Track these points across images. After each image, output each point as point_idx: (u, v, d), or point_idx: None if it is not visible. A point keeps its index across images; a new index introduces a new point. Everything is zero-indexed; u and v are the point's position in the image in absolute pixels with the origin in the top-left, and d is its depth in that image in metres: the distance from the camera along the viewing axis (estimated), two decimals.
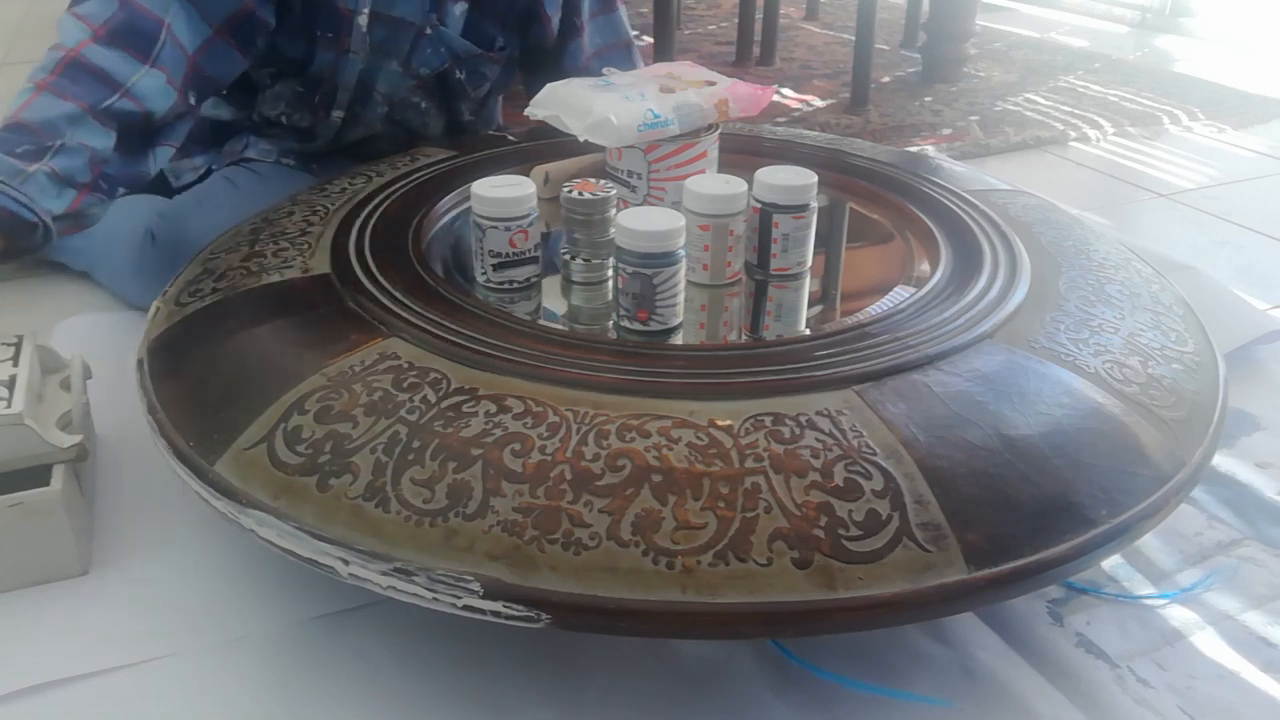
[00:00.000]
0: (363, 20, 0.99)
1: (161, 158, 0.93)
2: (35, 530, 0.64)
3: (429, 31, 1.02)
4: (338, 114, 1.06)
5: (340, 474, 0.54)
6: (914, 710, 0.58)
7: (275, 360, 0.64)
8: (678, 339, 0.70)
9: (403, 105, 1.08)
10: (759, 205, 0.75)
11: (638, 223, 0.67)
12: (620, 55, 1.14)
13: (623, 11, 1.16)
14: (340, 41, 1.00)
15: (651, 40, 1.76)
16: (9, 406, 0.63)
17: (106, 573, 0.67)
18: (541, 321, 0.73)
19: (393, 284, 0.69)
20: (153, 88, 0.87)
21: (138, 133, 0.89)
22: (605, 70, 0.91)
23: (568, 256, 0.76)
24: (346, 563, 0.51)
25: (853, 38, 1.76)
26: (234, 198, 0.99)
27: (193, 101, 0.92)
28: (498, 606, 0.49)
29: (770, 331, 0.75)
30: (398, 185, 0.88)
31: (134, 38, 0.86)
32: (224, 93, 1.08)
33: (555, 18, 1.09)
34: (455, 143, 1.04)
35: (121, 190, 0.89)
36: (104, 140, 0.84)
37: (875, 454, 0.54)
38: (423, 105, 1.09)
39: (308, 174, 1.07)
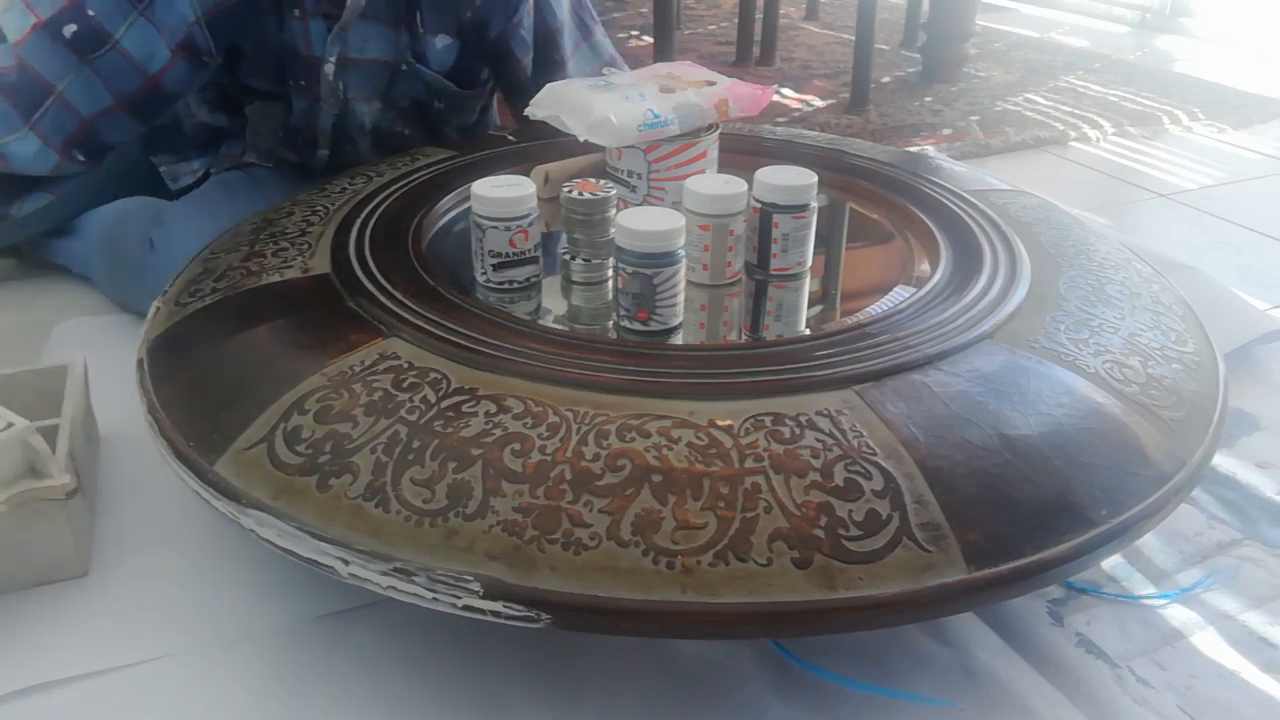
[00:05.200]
0: (329, 69, 0.97)
1: (33, 202, 0.95)
2: (35, 531, 0.64)
3: (404, 68, 1.01)
4: (323, 154, 1.05)
5: (340, 474, 0.54)
6: (914, 710, 0.58)
7: (275, 360, 0.64)
8: (678, 339, 0.70)
9: (388, 135, 1.07)
10: (759, 205, 0.75)
11: (638, 223, 0.67)
12: None
13: (599, 31, 1.15)
14: (312, 90, 0.99)
15: (651, 40, 1.76)
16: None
17: (107, 573, 0.67)
18: (541, 321, 0.73)
19: (393, 284, 0.69)
20: (24, 152, 0.89)
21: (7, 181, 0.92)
22: (605, 70, 0.91)
23: (568, 256, 0.76)
24: (346, 563, 0.51)
25: (853, 38, 1.76)
26: (232, 203, 0.99)
27: (80, 158, 0.92)
28: (498, 606, 0.49)
29: (770, 331, 0.75)
30: (398, 185, 0.88)
31: (19, 98, 0.88)
32: (215, 102, 1.08)
33: (526, 60, 1.08)
34: (455, 142, 1.04)
35: None
36: None
37: (875, 454, 0.54)
38: (407, 133, 1.08)
39: (306, 178, 1.07)
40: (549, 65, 1.10)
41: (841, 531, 0.50)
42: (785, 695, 0.58)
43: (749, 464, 0.52)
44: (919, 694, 0.59)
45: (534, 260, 0.76)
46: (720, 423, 0.55)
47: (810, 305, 0.77)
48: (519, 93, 1.09)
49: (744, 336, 0.75)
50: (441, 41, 1.03)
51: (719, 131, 0.86)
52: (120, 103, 0.91)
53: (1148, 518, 0.56)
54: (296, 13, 0.95)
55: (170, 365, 0.68)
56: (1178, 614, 0.65)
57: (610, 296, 0.74)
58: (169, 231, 0.97)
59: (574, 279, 0.77)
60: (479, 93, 1.09)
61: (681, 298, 0.70)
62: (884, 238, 0.88)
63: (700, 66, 0.92)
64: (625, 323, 0.70)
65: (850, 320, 0.71)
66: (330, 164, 1.07)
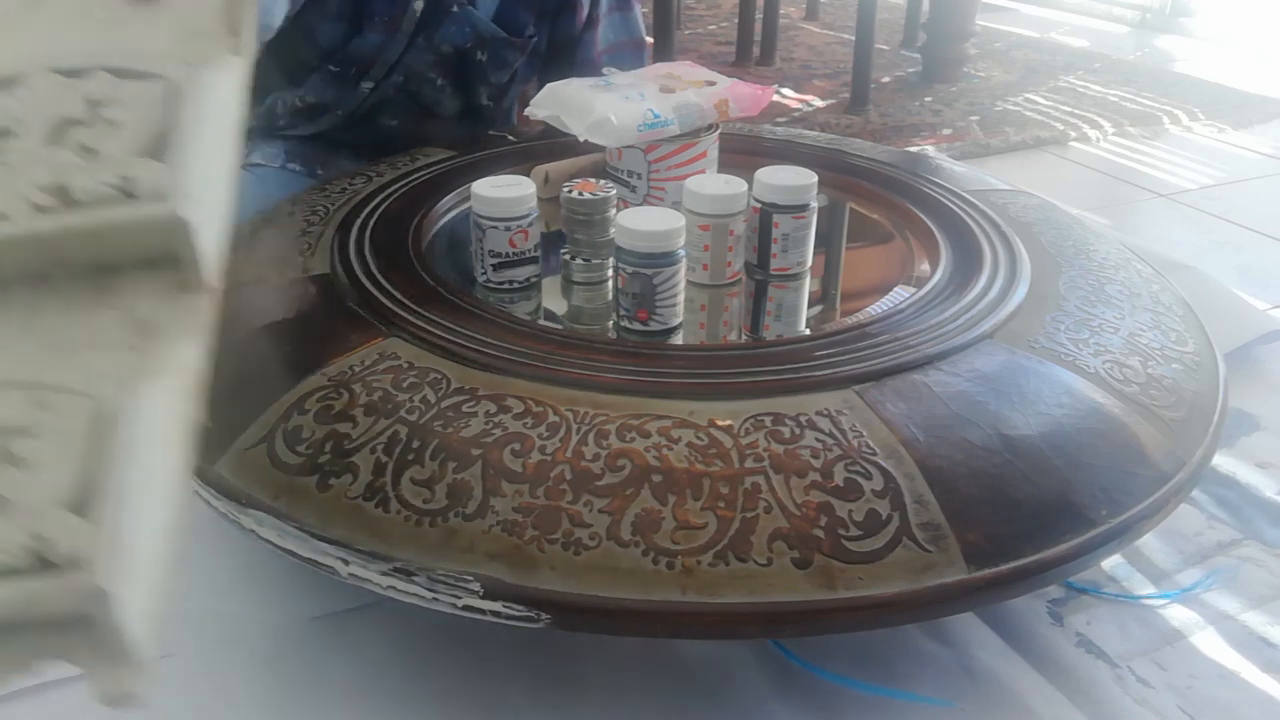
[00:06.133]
0: (419, 4, 1.00)
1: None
2: None
3: (455, 9, 1.02)
4: (367, 85, 1.06)
5: (340, 474, 0.54)
6: (914, 710, 0.58)
7: (275, 360, 0.64)
8: (678, 339, 0.70)
9: (419, 79, 1.08)
10: (759, 205, 0.75)
11: (638, 223, 0.67)
12: (631, 53, 1.15)
13: (638, 10, 1.17)
14: (394, 22, 1.01)
15: (651, 40, 1.76)
16: None
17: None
18: (541, 321, 0.73)
19: (393, 284, 0.69)
20: None
21: None
22: (605, 70, 0.91)
23: (568, 256, 0.76)
24: (346, 563, 0.51)
25: (853, 38, 1.77)
26: (236, 201, 0.99)
27: None
28: (498, 606, 0.49)
29: (770, 331, 0.75)
30: (398, 185, 0.88)
31: None
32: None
33: (587, 6, 1.10)
34: (455, 142, 1.04)
35: None
36: None
37: (875, 454, 0.54)
38: (439, 82, 1.09)
39: (312, 179, 1.07)
40: (586, 20, 1.11)
41: (841, 531, 0.50)
42: (785, 696, 0.58)
43: (749, 464, 0.52)
44: (919, 694, 0.58)
45: (534, 260, 0.76)
46: (720, 423, 0.55)
47: (810, 305, 0.77)
48: (564, 52, 1.11)
49: (744, 336, 0.75)
50: None
51: (719, 131, 0.86)
52: None
53: (1148, 518, 0.56)
54: None
55: None
56: (1178, 614, 0.65)
57: (610, 296, 0.74)
58: None
59: (574, 279, 0.77)
60: (523, 42, 1.09)
61: (681, 298, 0.70)
62: (884, 238, 0.88)
63: (700, 66, 0.92)
64: (625, 323, 0.70)
65: (850, 320, 0.71)
66: (354, 114, 1.07)
